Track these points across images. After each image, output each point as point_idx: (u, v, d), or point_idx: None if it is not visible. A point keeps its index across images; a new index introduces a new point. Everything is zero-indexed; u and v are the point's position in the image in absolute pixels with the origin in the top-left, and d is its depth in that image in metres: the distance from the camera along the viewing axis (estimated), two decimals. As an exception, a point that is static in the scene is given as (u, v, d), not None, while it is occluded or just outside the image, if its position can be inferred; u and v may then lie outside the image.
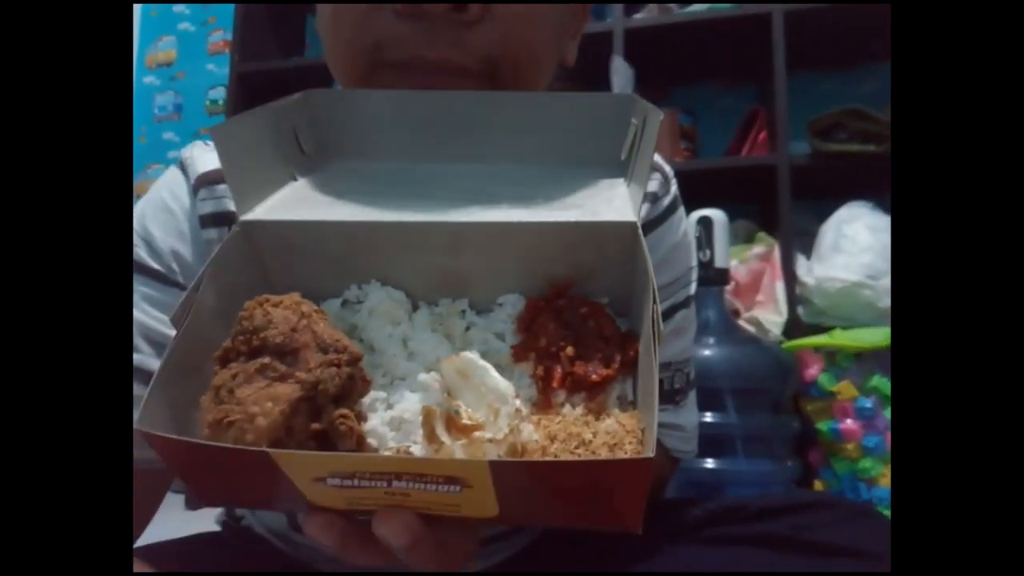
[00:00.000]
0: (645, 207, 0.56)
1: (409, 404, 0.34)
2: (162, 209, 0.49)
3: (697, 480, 1.24)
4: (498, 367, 0.35)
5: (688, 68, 1.88)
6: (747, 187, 1.71)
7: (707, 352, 1.26)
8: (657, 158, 0.59)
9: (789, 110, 1.56)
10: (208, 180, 0.49)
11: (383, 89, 0.44)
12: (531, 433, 0.31)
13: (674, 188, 0.59)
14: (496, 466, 0.26)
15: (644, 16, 1.75)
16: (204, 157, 0.50)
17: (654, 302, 0.30)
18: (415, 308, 0.40)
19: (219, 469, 0.30)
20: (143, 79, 2.54)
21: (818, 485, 1.32)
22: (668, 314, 0.59)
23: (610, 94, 0.42)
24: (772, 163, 1.56)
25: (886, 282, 1.36)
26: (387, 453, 0.33)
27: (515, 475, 0.27)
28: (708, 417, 1.25)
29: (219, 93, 2.40)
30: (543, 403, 0.35)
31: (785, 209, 1.53)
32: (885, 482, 1.24)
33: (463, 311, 0.39)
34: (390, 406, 0.35)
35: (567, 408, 0.35)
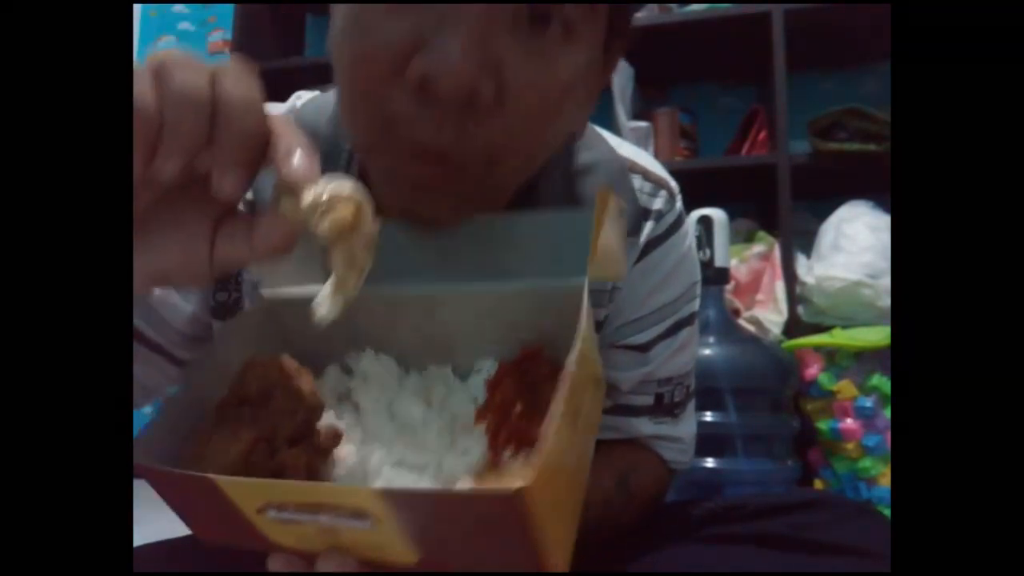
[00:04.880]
0: (649, 225, 0.56)
1: (376, 458, 0.38)
2: None
3: (697, 480, 1.25)
4: (465, 428, 0.39)
5: (688, 68, 1.88)
6: (747, 186, 1.71)
7: (707, 352, 1.26)
8: (663, 173, 0.58)
9: (789, 110, 1.56)
10: None
11: (380, 173, 0.43)
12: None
13: (679, 204, 0.58)
14: (389, 495, 0.28)
15: (644, 16, 1.75)
16: None
17: (581, 342, 0.31)
18: (408, 372, 0.43)
19: (193, 502, 0.34)
20: (143, 79, 2.53)
21: (818, 484, 1.32)
22: (672, 331, 0.58)
23: (583, 209, 0.39)
24: (772, 162, 1.56)
25: (886, 281, 1.36)
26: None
27: (407, 504, 0.28)
28: (708, 417, 1.25)
29: (219, 93, 2.40)
30: (491, 460, 0.36)
31: (785, 208, 1.53)
32: (885, 481, 1.25)
33: (446, 376, 0.42)
34: (362, 459, 0.38)
35: (511, 466, 0.35)
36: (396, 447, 0.38)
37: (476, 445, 0.37)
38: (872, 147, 1.50)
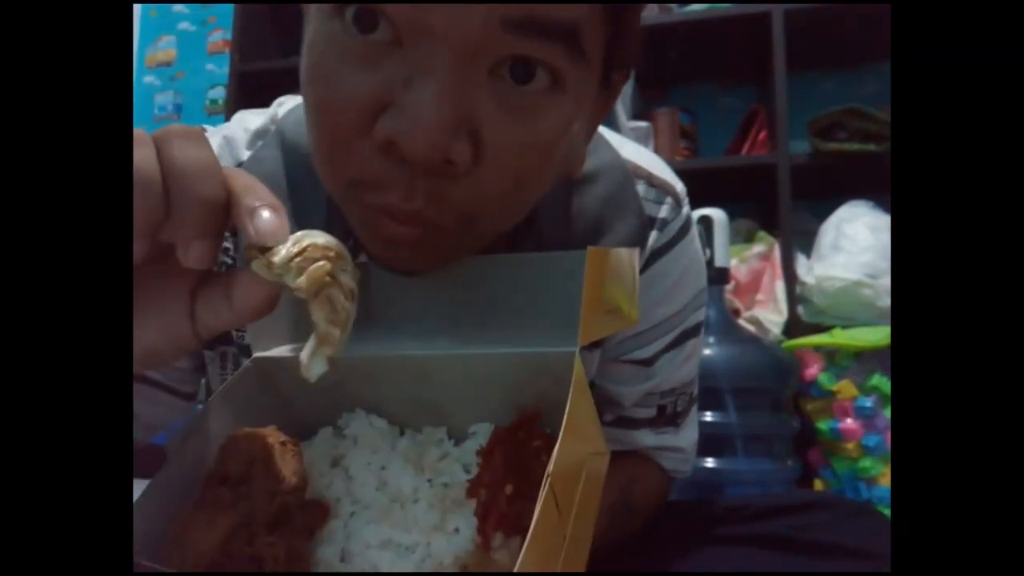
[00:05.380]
0: (653, 235, 0.54)
1: (362, 536, 0.36)
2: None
3: (697, 480, 1.24)
4: (455, 503, 0.37)
5: (688, 68, 1.87)
6: (747, 186, 1.71)
7: (707, 352, 1.26)
8: (667, 176, 0.56)
9: (789, 110, 1.56)
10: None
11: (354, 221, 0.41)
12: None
13: (685, 209, 0.56)
14: None
15: (644, 16, 1.74)
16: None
17: (562, 435, 0.30)
18: (402, 433, 0.42)
19: None
20: (143, 79, 2.54)
21: (818, 485, 1.32)
22: (678, 342, 0.57)
23: (574, 252, 0.36)
24: (772, 162, 1.56)
25: (886, 281, 1.36)
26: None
27: None
28: (708, 417, 1.25)
29: (219, 93, 2.40)
30: (481, 544, 0.34)
31: (785, 208, 1.53)
32: (885, 481, 1.24)
33: (441, 440, 0.40)
34: (347, 536, 0.37)
35: (501, 554, 0.33)
36: (383, 526, 0.36)
37: (466, 525, 0.35)
38: (872, 147, 1.50)
